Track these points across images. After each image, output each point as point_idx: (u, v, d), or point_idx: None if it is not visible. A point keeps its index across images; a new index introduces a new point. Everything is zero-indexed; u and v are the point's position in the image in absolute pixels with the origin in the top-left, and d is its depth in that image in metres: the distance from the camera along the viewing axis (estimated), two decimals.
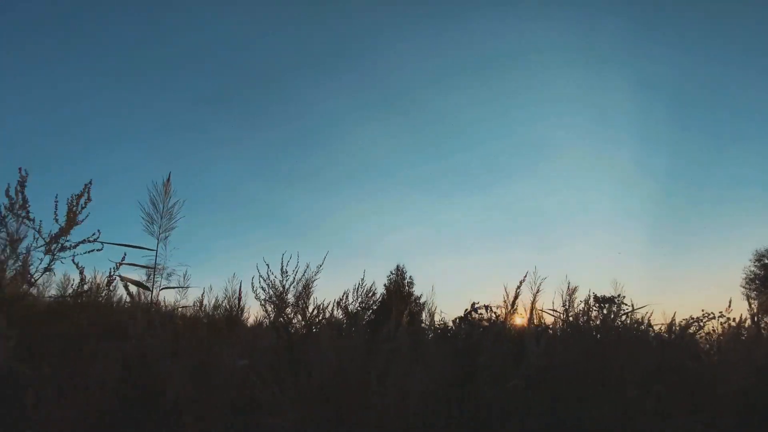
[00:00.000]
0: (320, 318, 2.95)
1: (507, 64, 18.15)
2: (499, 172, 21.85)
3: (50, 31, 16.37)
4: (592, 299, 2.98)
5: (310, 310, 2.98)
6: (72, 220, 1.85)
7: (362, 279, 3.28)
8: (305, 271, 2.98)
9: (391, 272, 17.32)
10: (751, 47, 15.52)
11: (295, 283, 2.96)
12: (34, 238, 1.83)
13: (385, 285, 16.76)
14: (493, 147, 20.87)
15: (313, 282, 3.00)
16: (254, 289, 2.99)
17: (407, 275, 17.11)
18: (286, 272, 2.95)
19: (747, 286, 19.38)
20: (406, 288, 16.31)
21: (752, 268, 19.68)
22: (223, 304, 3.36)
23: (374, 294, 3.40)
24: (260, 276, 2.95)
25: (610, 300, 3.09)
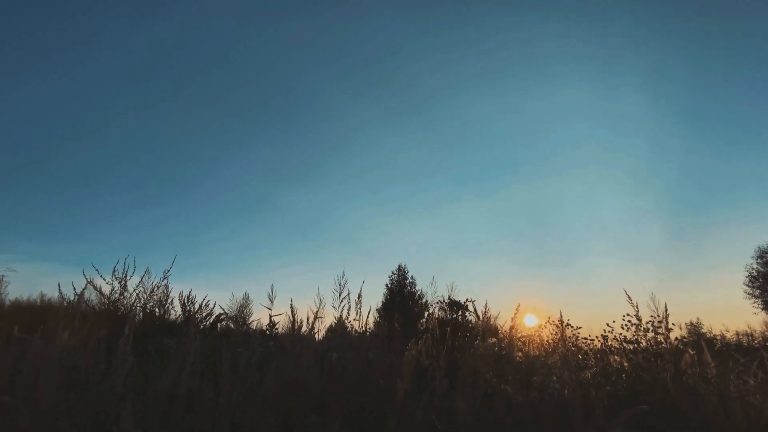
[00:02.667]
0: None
1: (521, 71, 18.52)
2: (509, 175, 22.24)
3: (59, 33, 17.09)
4: (445, 303, 3.13)
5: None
6: None
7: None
8: (143, 277, 2.74)
9: (393, 272, 17.66)
10: (761, 51, 15.65)
11: (127, 289, 2.72)
12: None
13: (387, 285, 17.12)
14: (503, 151, 21.29)
15: (159, 288, 2.79)
16: (62, 295, 2.63)
17: (409, 275, 17.43)
18: (118, 276, 2.71)
19: (750, 284, 18.66)
20: (408, 288, 16.65)
21: (755, 266, 18.78)
22: None
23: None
24: (88, 282, 2.70)
25: (461, 305, 3.16)
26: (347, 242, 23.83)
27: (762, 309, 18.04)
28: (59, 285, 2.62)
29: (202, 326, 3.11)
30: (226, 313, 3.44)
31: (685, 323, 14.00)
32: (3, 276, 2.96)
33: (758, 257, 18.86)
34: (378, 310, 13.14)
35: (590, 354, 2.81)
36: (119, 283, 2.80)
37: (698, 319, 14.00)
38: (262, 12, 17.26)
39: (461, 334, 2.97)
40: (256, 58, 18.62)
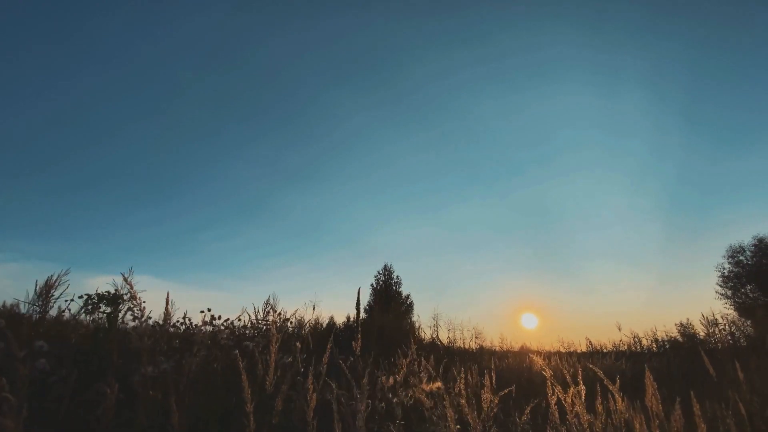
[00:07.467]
0: None
1: (523, 74, 18.73)
2: (510, 177, 22.46)
3: (59, 33, 16.52)
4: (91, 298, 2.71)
5: None
6: None
7: None
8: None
9: (379, 272, 17.53)
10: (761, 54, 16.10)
11: None
12: None
13: (372, 285, 16.99)
14: (505, 153, 21.54)
15: None
16: None
17: (394, 275, 17.34)
18: None
19: (723, 284, 18.39)
20: (394, 288, 16.58)
21: (726, 265, 18.45)
22: None
23: None
24: None
25: (112, 298, 2.71)
26: (348, 243, 23.71)
27: (734, 310, 18.33)
28: None
29: None
30: None
31: (675, 324, 14.19)
32: None
33: (729, 257, 18.55)
34: (364, 309, 13.00)
35: None
36: None
37: (688, 319, 14.22)
38: (265, 15, 17.08)
39: None
40: (260, 61, 18.47)
